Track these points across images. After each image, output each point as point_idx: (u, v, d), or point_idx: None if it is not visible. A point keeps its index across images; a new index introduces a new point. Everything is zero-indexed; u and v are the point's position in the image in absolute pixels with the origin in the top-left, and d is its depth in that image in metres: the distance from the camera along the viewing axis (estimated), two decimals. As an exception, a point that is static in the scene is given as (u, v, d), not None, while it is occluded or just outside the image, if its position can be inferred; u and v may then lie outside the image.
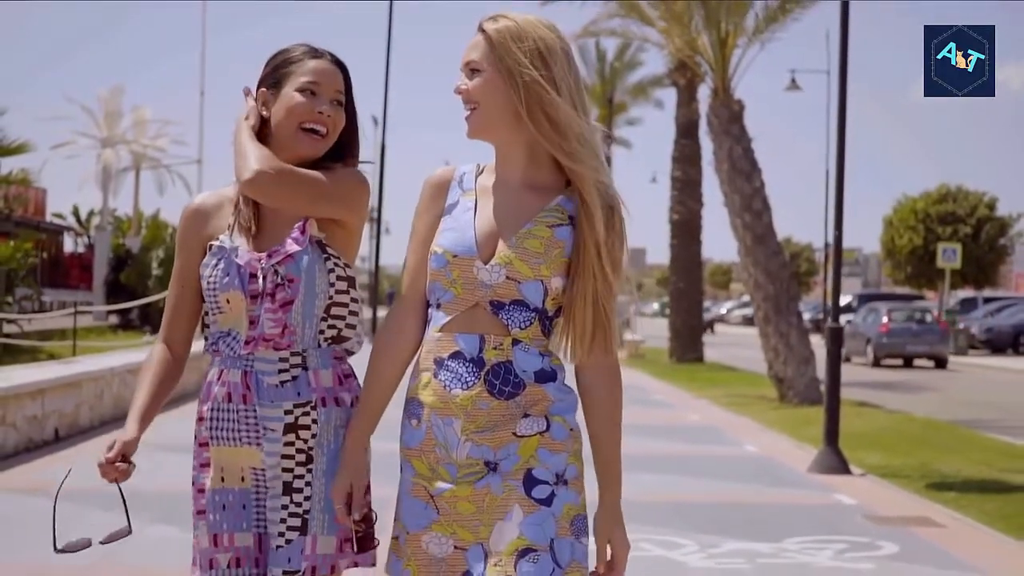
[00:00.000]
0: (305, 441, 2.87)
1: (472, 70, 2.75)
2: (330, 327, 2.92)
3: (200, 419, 2.96)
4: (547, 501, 2.67)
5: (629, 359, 29.41)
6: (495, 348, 2.69)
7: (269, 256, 2.87)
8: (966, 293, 45.90)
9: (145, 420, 2.95)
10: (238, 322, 2.90)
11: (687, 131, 29.36)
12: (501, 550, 2.66)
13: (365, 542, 2.84)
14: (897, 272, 44.13)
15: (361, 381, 2.90)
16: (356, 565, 2.90)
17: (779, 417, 15.78)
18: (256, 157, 2.85)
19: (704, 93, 21.21)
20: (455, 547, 2.70)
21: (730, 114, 19.11)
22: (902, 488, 9.94)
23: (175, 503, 6.52)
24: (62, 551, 2.86)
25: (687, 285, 29.62)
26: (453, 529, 2.70)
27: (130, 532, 2.93)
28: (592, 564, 2.75)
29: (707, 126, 19.64)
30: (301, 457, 2.86)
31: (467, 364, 2.69)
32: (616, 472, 2.76)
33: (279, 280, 2.85)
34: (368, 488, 2.89)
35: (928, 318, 32.00)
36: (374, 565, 2.91)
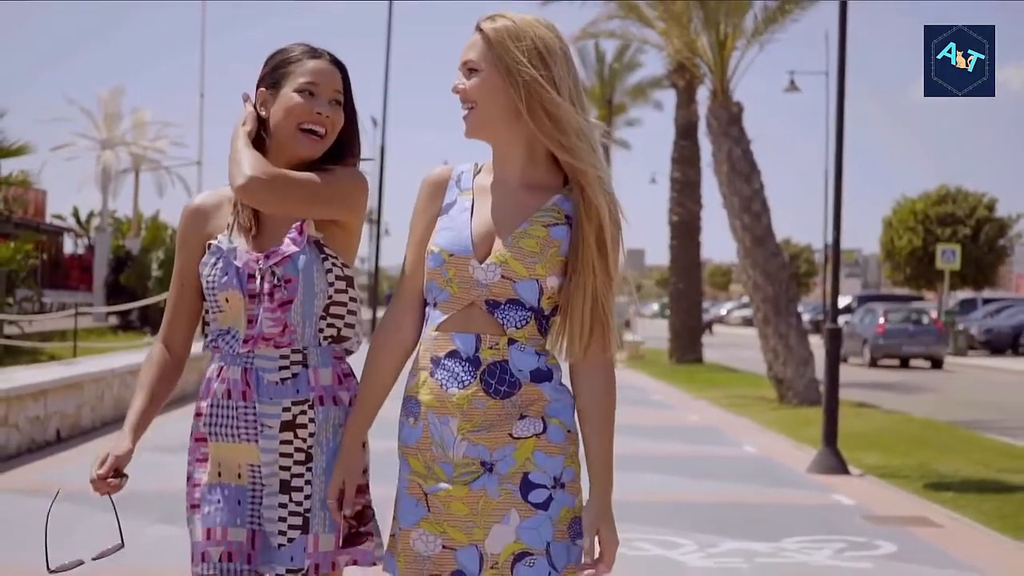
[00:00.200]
0: (304, 440, 2.87)
1: (470, 70, 2.76)
2: (329, 326, 2.93)
3: (199, 415, 2.97)
4: (544, 505, 2.68)
5: (629, 360, 29.41)
6: (491, 347, 2.70)
7: (267, 257, 2.89)
8: (966, 294, 45.92)
9: (139, 430, 2.96)
10: (237, 321, 2.92)
11: (686, 132, 29.39)
12: (497, 553, 2.68)
13: (354, 538, 2.86)
14: (896, 273, 44.17)
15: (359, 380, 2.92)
16: (356, 563, 2.92)
17: (778, 418, 15.81)
18: (249, 163, 2.85)
19: (703, 95, 21.24)
20: (443, 546, 2.71)
21: (729, 116, 19.15)
22: (900, 488, 9.98)
23: (176, 503, 6.55)
24: (54, 572, 2.87)
25: (686, 286, 29.66)
26: (443, 528, 2.71)
27: (122, 547, 2.95)
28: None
29: (706, 128, 19.68)
30: (300, 456, 2.87)
31: (463, 363, 2.70)
32: (608, 468, 2.74)
33: (276, 281, 2.87)
34: (366, 487, 2.91)
35: (924, 319, 32.14)
36: (374, 564, 2.93)
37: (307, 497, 2.87)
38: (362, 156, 3.07)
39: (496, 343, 2.70)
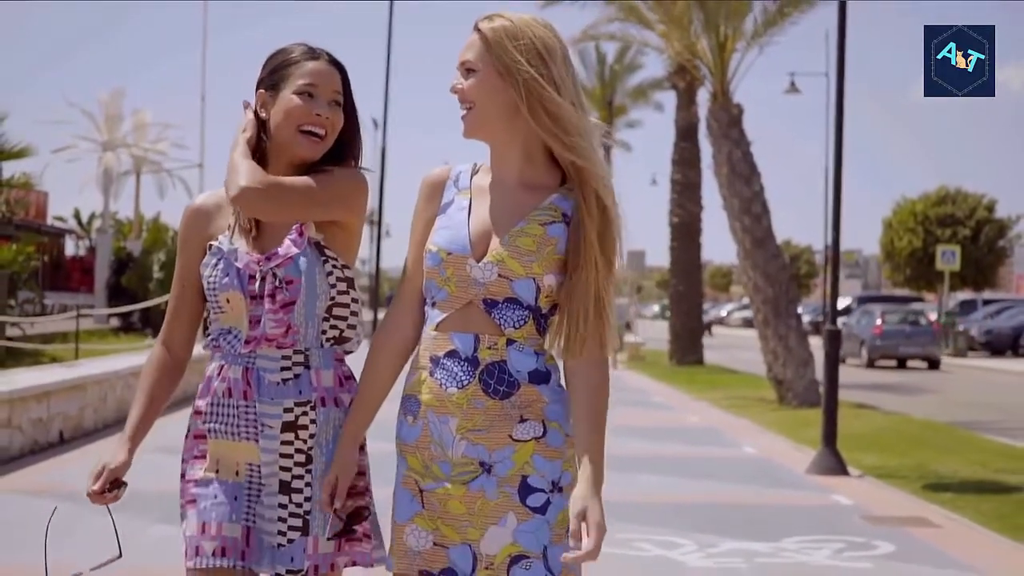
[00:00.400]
0: (304, 441, 2.89)
1: (468, 70, 2.76)
2: (332, 327, 2.94)
3: (198, 412, 2.97)
4: (542, 509, 2.69)
5: (629, 361, 29.45)
6: (489, 348, 2.71)
7: (268, 259, 2.89)
8: (966, 295, 45.96)
9: (136, 439, 2.98)
10: (239, 321, 2.92)
11: (687, 134, 29.43)
12: (493, 555, 2.69)
13: (347, 535, 2.89)
14: (897, 274, 44.21)
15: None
16: (354, 564, 2.94)
17: (778, 419, 15.85)
18: (243, 174, 2.85)
19: (703, 96, 21.28)
20: (435, 543, 2.73)
21: (729, 118, 19.19)
22: (899, 489, 10.01)
23: (177, 504, 6.55)
24: None
25: (687, 287, 29.70)
26: (436, 525, 2.73)
27: (120, 556, 2.98)
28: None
29: (706, 130, 19.72)
30: (300, 457, 2.89)
31: (462, 363, 2.71)
32: (598, 458, 2.66)
33: (277, 283, 2.88)
34: (365, 490, 2.93)
35: (921, 320, 32.32)
36: (371, 565, 2.96)
37: (307, 499, 2.88)
38: (362, 157, 3.07)
39: (495, 343, 2.71)
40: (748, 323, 59.37)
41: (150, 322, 25.47)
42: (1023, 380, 27.47)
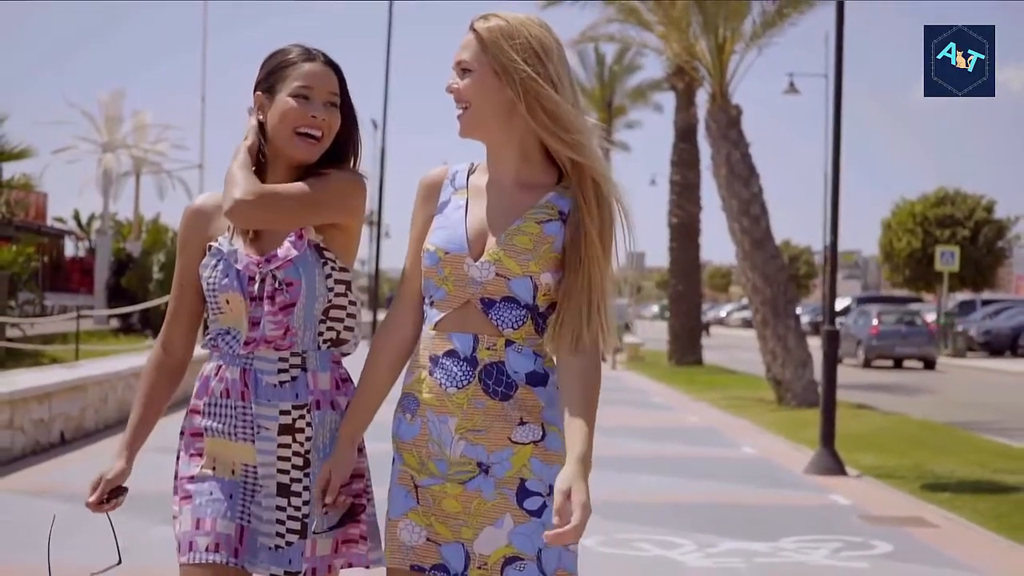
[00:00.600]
0: (301, 444, 2.89)
1: (464, 70, 2.76)
2: (328, 329, 2.94)
3: (195, 411, 2.98)
4: (538, 512, 2.70)
5: (629, 362, 29.49)
6: (488, 348, 2.72)
7: (267, 261, 2.90)
8: (965, 296, 46.00)
9: (134, 447, 3.01)
10: (238, 322, 2.92)
11: (686, 135, 29.46)
12: (487, 555, 2.71)
13: (343, 526, 2.91)
14: (896, 275, 44.23)
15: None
16: (350, 565, 2.96)
17: (777, 419, 15.89)
18: (238, 186, 2.85)
19: (702, 97, 21.31)
20: (428, 539, 2.75)
21: (728, 119, 19.22)
22: (897, 489, 10.05)
23: (181, 504, 6.59)
24: None
25: (686, 288, 29.74)
26: (429, 521, 2.75)
27: (120, 563, 3.01)
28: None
29: (705, 131, 19.75)
30: (298, 461, 2.90)
31: (461, 363, 2.72)
32: (588, 445, 2.61)
33: (277, 285, 2.88)
34: (363, 492, 2.94)
35: (917, 320, 32.47)
36: (368, 567, 2.98)
37: (305, 503, 2.89)
38: (361, 158, 3.07)
39: (493, 344, 2.72)
40: (747, 323, 59.39)
41: (150, 323, 25.50)
42: (1021, 380, 27.50)
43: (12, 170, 21.72)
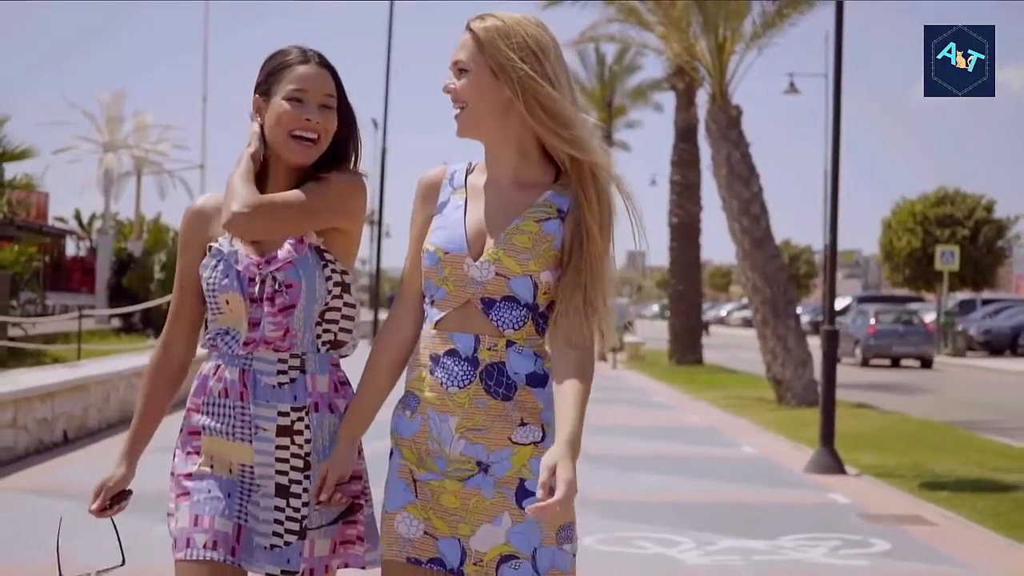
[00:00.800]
0: (300, 447, 2.90)
1: (460, 70, 2.77)
2: (325, 331, 2.94)
3: (194, 410, 2.99)
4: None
5: (629, 361, 29.54)
6: (489, 349, 2.73)
7: (267, 262, 2.90)
8: (965, 295, 46.03)
9: (136, 450, 3.04)
10: (238, 323, 2.93)
11: (686, 135, 29.50)
12: (484, 552, 2.73)
13: (342, 521, 2.94)
14: (896, 274, 44.27)
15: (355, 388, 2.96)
16: (347, 566, 2.98)
17: (777, 418, 15.93)
18: (237, 198, 2.86)
19: (703, 98, 21.35)
20: (425, 532, 2.77)
21: (728, 119, 19.26)
22: (896, 487, 10.09)
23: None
24: None
25: (686, 287, 29.78)
26: (427, 515, 2.77)
27: (123, 564, 3.05)
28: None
29: (705, 131, 19.78)
30: (298, 463, 2.90)
31: (462, 363, 2.73)
32: (577, 429, 2.60)
33: (277, 286, 2.88)
34: (362, 494, 2.96)
35: (914, 320, 32.59)
36: (364, 567, 3.00)
37: (304, 504, 2.91)
38: (361, 158, 3.07)
39: (494, 344, 2.73)
40: (748, 323, 59.43)
41: (151, 323, 25.54)
42: (1021, 380, 27.53)
43: (14, 170, 21.75)
